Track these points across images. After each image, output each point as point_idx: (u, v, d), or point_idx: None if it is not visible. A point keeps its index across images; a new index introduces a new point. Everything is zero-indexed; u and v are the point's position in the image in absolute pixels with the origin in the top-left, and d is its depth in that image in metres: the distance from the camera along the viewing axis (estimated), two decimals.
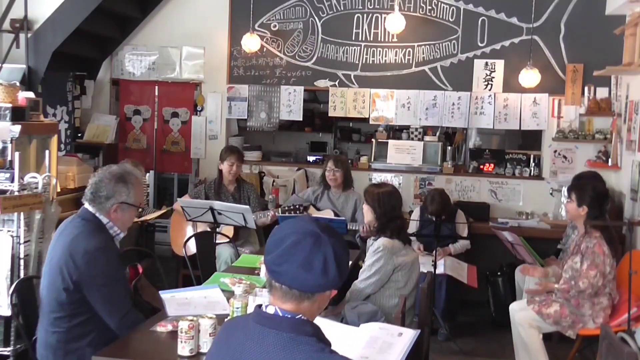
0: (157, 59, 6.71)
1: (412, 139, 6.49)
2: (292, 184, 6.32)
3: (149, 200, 6.17)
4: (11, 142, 4.13)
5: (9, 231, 3.98)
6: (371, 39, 6.30)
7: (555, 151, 6.08)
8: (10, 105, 4.17)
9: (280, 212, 5.05)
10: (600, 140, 5.87)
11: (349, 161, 6.90)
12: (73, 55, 6.28)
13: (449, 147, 6.52)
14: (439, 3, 6.17)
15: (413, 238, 5.07)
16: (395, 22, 5.99)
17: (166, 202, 6.67)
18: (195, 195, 5.36)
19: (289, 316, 1.71)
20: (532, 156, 6.25)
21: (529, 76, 5.83)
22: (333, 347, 1.73)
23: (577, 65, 5.93)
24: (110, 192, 2.89)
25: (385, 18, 6.13)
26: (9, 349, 3.99)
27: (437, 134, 6.53)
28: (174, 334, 2.66)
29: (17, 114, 4.20)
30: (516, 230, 5.15)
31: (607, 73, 5.45)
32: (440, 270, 4.93)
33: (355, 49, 6.33)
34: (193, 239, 4.71)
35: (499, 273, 5.56)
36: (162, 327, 2.79)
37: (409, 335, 2.59)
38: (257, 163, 6.67)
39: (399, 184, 6.28)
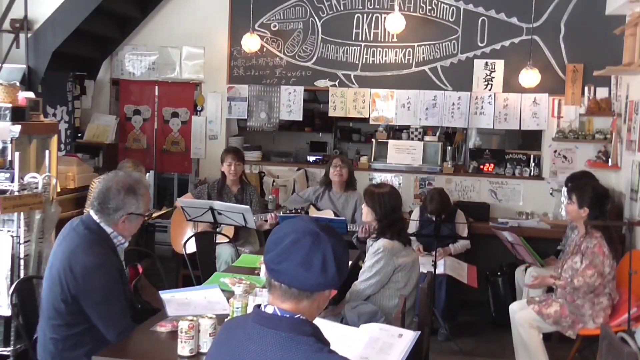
0: (157, 59, 6.71)
1: (412, 139, 6.49)
2: (292, 184, 6.32)
3: (150, 200, 6.15)
4: (11, 142, 4.13)
5: (9, 231, 3.98)
6: (371, 39, 6.30)
7: (555, 151, 6.08)
8: (10, 105, 4.17)
9: (281, 213, 5.04)
10: (600, 140, 5.87)
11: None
12: (73, 55, 6.28)
13: (449, 147, 6.52)
14: (439, 3, 6.17)
15: (413, 238, 5.06)
16: (395, 22, 5.99)
17: (166, 202, 6.67)
18: (198, 195, 5.36)
19: (288, 316, 1.71)
20: (532, 156, 6.25)
21: (529, 76, 5.83)
22: (333, 348, 1.73)
23: (577, 65, 5.93)
24: (119, 204, 2.80)
25: (385, 18, 6.13)
26: (9, 349, 3.99)
27: (437, 134, 6.54)
28: (174, 334, 2.65)
29: (17, 114, 4.20)
30: (516, 230, 5.15)
31: (607, 73, 5.45)
32: (440, 270, 4.93)
33: (355, 49, 6.33)
34: (193, 239, 4.71)
35: (499, 273, 5.56)
36: (162, 327, 2.79)
37: (409, 336, 2.59)
38: (257, 163, 6.67)
39: (399, 184, 6.28)
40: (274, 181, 6.34)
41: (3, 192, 3.93)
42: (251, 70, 6.54)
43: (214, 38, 6.57)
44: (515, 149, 6.68)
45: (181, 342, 2.54)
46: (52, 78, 5.96)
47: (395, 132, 6.83)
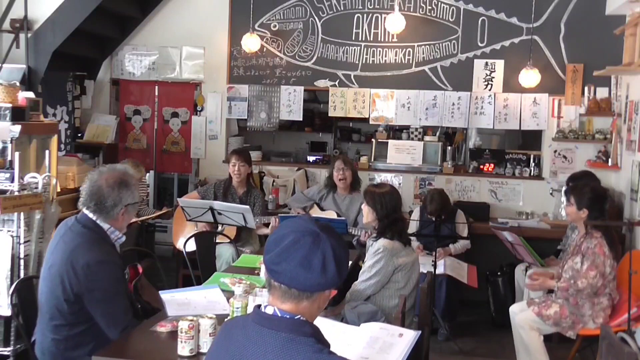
0: (157, 59, 6.72)
1: (412, 139, 6.49)
2: (292, 184, 6.32)
3: (149, 201, 6.17)
4: (11, 142, 4.12)
5: (9, 231, 3.98)
6: (371, 39, 6.30)
7: (555, 151, 6.08)
8: (10, 105, 4.17)
9: (282, 214, 5.04)
10: (600, 140, 5.87)
11: None
12: (73, 55, 6.28)
13: (449, 147, 6.51)
14: (439, 3, 6.17)
15: (413, 237, 5.06)
16: (395, 22, 5.99)
17: (166, 202, 6.69)
18: (204, 193, 5.36)
19: (288, 316, 1.71)
20: (532, 156, 6.25)
21: (529, 76, 5.83)
22: (333, 348, 1.73)
23: (577, 65, 5.93)
24: (116, 200, 2.83)
25: (385, 18, 6.13)
26: (9, 349, 3.99)
27: (437, 134, 6.53)
28: (174, 334, 2.65)
29: (17, 114, 4.19)
30: (516, 230, 5.15)
31: (607, 73, 5.45)
32: (440, 270, 4.93)
33: (355, 49, 6.33)
34: (193, 239, 4.71)
35: (499, 273, 5.56)
36: (162, 327, 2.79)
37: (409, 336, 2.58)
38: (257, 163, 6.66)
39: (399, 184, 6.28)
40: (274, 181, 6.34)
41: (3, 192, 3.93)
42: (251, 70, 6.54)
43: (214, 38, 6.57)
44: (515, 149, 6.68)
45: (181, 342, 2.54)
46: (52, 78, 5.96)
47: (395, 132, 6.83)
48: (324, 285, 1.73)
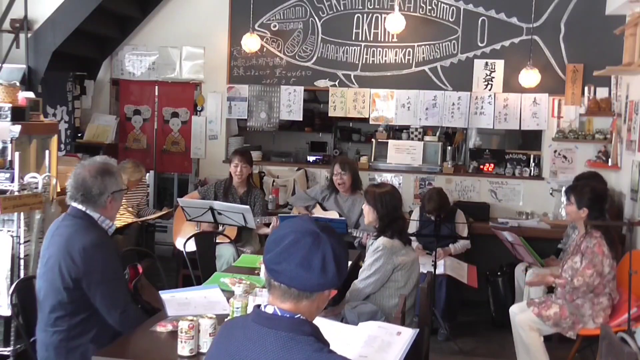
0: (157, 59, 6.72)
1: (412, 139, 6.49)
2: (292, 184, 6.32)
3: (149, 201, 6.17)
4: (11, 142, 4.13)
5: (9, 231, 3.98)
6: (371, 39, 6.30)
7: (555, 151, 6.08)
8: (10, 105, 4.17)
9: (282, 214, 5.04)
10: (600, 140, 5.87)
11: None
12: (73, 55, 6.28)
13: (449, 147, 6.51)
14: (439, 3, 6.17)
15: (413, 238, 5.06)
16: (395, 22, 5.99)
17: (166, 202, 6.68)
18: (204, 193, 5.36)
19: (288, 316, 1.71)
20: (532, 156, 6.25)
21: (529, 76, 5.83)
22: (332, 347, 1.73)
23: (577, 65, 5.93)
24: (102, 188, 2.90)
25: (385, 18, 6.14)
26: (9, 349, 3.99)
27: (437, 134, 6.53)
28: (174, 334, 2.66)
29: (17, 114, 4.20)
30: (516, 230, 5.15)
31: (607, 73, 5.45)
32: (440, 270, 4.93)
33: (355, 49, 6.33)
34: (193, 239, 4.71)
35: (499, 273, 5.56)
36: (162, 327, 2.79)
37: (407, 334, 2.58)
38: (257, 163, 6.66)
39: (399, 184, 6.28)
40: (274, 181, 6.34)
41: (3, 192, 3.93)
42: (251, 70, 6.54)
43: (214, 38, 6.57)
44: (515, 149, 6.68)
45: (181, 342, 2.54)
46: (52, 78, 5.96)
47: (395, 132, 6.83)
48: (323, 285, 1.73)
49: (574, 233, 4.76)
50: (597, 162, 5.84)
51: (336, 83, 6.38)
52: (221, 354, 1.79)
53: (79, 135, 6.59)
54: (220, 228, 5.08)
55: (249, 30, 6.32)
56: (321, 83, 6.43)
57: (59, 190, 4.38)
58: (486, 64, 6.12)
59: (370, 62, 6.31)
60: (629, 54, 5.04)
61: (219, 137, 6.68)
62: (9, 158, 4.12)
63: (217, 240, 4.97)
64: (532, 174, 6.19)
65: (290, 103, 6.50)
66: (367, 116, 6.39)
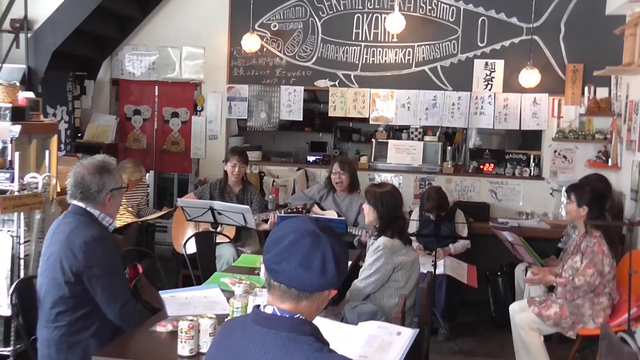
0: (157, 59, 6.72)
1: (412, 139, 6.49)
2: (292, 184, 6.32)
3: (149, 201, 6.17)
4: (11, 142, 4.13)
5: (9, 231, 3.98)
6: (371, 39, 6.30)
7: (555, 151, 6.08)
8: (10, 105, 4.18)
9: (283, 213, 5.03)
10: (600, 140, 5.87)
11: None
12: (73, 55, 6.28)
13: (449, 147, 6.52)
14: (439, 3, 6.17)
15: (413, 238, 5.06)
16: (395, 22, 5.99)
17: (166, 202, 6.68)
18: (200, 194, 5.36)
19: (287, 316, 1.71)
20: (532, 156, 6.25)
21: (529, 76, 5.83)
22: (332, 346, 1.73)
23: (577, 65, 5.93)
24: (100, 185, 2.94)
25: (385, 18, 6.14)
26: (9, 349, 3.99)
27: (437, 134, 6.53)
28: (174, 334, 2.66)
29: (17, 114, 4.20)
30: (516, 230, 5.15)
31: (607, 73, 5.45)
32: (440, 270, 4.93)
33: (355, 49, 6.33)
34: (193, 239, 4.71)
35: (499, 273, 5.56)
36: (162, 327, 2.79)
37: (408, 334, 2.58)
38: (257, 163, 6.67)
39: (399, 184, 6.28)
40: (274, 181, 6.34)
41: (3, 192, 3.93)
42: (251, 70, 6.54)
43: (214, 38, 6.57)
44: (515, 149, 6.68)
45: (181, 342, 2.54)
46: (52, 78, 5.96)
47: (395, 132, 6.83)
48: (323, 285, 1.73)
49: (574, 233, 4.76)
50: (597, 162, 5.84)
51: (336, 83, 6.38)
52: (221, 354, 1.79)
53: (79, 135, 6.59)
54: (219, 228, 5.08)
55: (249, 30, 6.32)
56: (321, 83, 6.43)
57: (59, 190, 4.38)
58: (486, 64, 6.12)
59: (370, 62, 6.31)
60: (629, 54, 5.04)
61: (219, 137, 6.68)
62: (9, 158, 4.12)
63: (217, 240, 4.96)
64: (532, 174, 6.19)
65: (290, 103, 6.50)
66: (367, 116, 6.39)
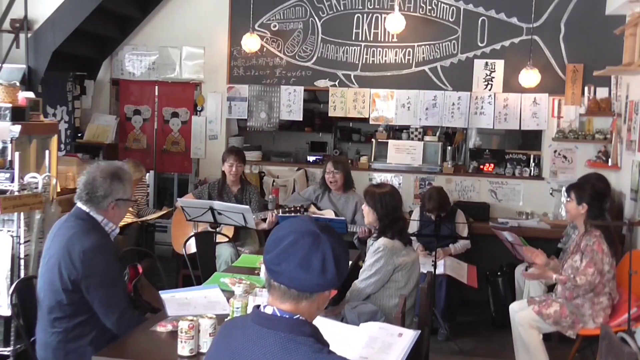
0: (157, 59, 6.72)
1: (412, 139, 6.49)
2: (292, 184, 6.32)
3: (149, 201, 6.17)
4: (11, 142, 4.13)
5: (9, 231, 3.98)
6: (371, 39, 6.30)
7: (555, 151, 6.08)
8: (10, 105, 4.18)
9: (280, 212, 5.04)
10: (600, 140, 5.87)
11: (349, 161, 6.91)
12: (73, 55, 6.28)
13: (449, 147, 6.52)
14: (439, 3, 6.17)
15: (413, 238, 5.06)
16: (395, 22, 5.99)
17: (166, 202, 6.68)
18: (199, 194, 5.36)
19: (287, 316, 1.71)
20: (532, 156, 6.25)
21: (529, 76, 5.83)
22: (332, 348, 1.73)
23: (577, 65, 5.93)
24: (107, 191, 2.90)
25: (385, 18, 6.14)
26: (9, 349, 3.99)
27: (437, 134, 6.53)
28: (174, 334, 2.66)
29: (17, 114, 4.20)
30: (516, 230, 5.14)
31: (607, 73, 5.45)
32: (440, 270, 4.93)
33: (355, 49, 6.33)
34: (193, 239, 4.71)
35: (499, 273, 5.56)
36: (162, 327, 2.79)
37: (409, 335, 2.58)
38: (257, 163, 6.67)
39: (399, 184, 6.28)
40: (274, 181, 6.34)
41: (3, 192, 3.93)
42: (251, 70, 6.54)
43: (214, 38, 6.57)
44: (515, 149, 6.68)
45: (181, 342, 2.54)
46: (52, 78, 5.96)
47: (395, 132, 6.83)
48: (323, 286, 1.72)
49: (573, 233, 4.76)
50: (597, 162, 5.84)
51: (336, 83, 6.38)
52: (221, 354, 1.79)
53: (79, 135, 6.59)
54: (218, 228, 5.07)
55: (249, 30, 6.32)
56: (321, 83, 6.43)
57: (59, 190, 4.38)
58: (486, 64, 6.12)
59: (370, 62, 6.31)
60: (629, 54, 5.04)
61: (219, 137, 6.68)
62: (9, 158, 4.12)
63: (216, 240, 4.96)
64: (532, 174, 6.19)
65: (290, 103, 6.50)
66: (367, 116, 6.39)
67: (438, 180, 6.23)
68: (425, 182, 6.26)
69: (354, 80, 6.35)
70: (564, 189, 5.20)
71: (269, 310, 1.74)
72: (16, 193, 3.93)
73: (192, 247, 4.68)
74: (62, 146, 6.12)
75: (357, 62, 6.33)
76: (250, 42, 6.26)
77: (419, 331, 2.65)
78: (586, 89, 5.88)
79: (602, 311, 4.04)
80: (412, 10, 6.20)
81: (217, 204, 4.91)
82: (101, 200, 2.90)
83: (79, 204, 2.94)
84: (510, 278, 5.39)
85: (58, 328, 2.82)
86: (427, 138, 6.46)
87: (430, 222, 5.19)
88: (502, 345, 4.88)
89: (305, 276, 1.69)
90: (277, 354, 1.65)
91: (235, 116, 6.69)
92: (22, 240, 3.99)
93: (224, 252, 4.98)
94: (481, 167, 6.31)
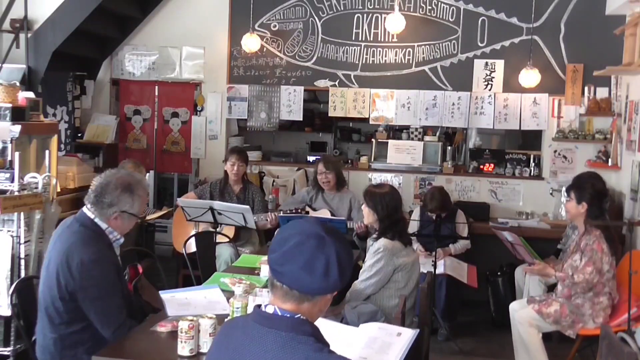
0: (157, 59, 6.72)
1: (412, 139, 6.49)
2: (292, 184, 6.32)
3: (149, 201, 6.16)
4: (11, 142, 4.13)
5: (9, 231, 3.98)
6: (371, 39, 6.30)
7: (555, 151, 6.08)
8: (10, 105, 4.18)
9: (281, 213, 5.05)
10: (600, 140, 5.87)
11: (349, 161, 6.92)
12: (73, 55, 6.28)
13: (449, 147, 6.52)
14: (439, 3, 6.17)
15: (413, 238, 5.06)
16: (395, 22, 5.99)
17: (166, 202, 6.68)
18: (200, 193, 5.36)
19: (288, 316, 1.71)
20: (532, 156, 6.25)
21: (529, 76, 5.83)
22: (332, 347, 1.73)
23: (577, 65, 5.93)
24: (114, 200, 2.83)
25: (385, 18, 6.14)
26: (9, 349, 3.99)
27: (437, 134, 6.53)
28: (174, 334, 2.65)
29: (17, 114, 4.20)
30: (516, 230, 5.14)
31: (607, 73, 5.45)
32: (440, 270, 4.93)
33: (355, 49, 6.33)
34: (193, 238, 4.71)
35: (499, 273, 5.56)
36: (162, 327, 2.79)
37: (408, 335, 2.58)
38: (257, 163, 6.67)
39: (399, 184, 6.28)
40: (274, 181, 6.34)
41: (3, 192, 3.93)
42: (251, 70, 6.54)
43: (214, 38, 6.57)
44: (515, 149, 6.68)
45: (181, 342, 2.54)
46: (52, 78, 5.96)
47: (395, 132, 6.82)
48: (325, 289, 1.73)
49: (573, 234, 4.76)
50: (597, 162, 5.84)
51: (336, 83, 6.38)
52: (221, 353, 1.79)
53: (79, 135, 6.59)
54: (219, 228, 5.08)
55: (249, 30, 6.32)
56: (321, 83, 6.43)
57: (59, 190, 4.39)
58: (486, 64, 6.12)
59: (370, 62, 6.31)
60: (629, 54, 5.04)
61: (219, 137, 6.68)
62: (9, 158, 4.12)
63: (216, 240, 4.96)
64: (532, 174, 6.19)
65: (290, 103, 6.50)
66: (367, 116, 6.39)
67: (438, 180, 6.23)
68: (425, 182, 6.26)
69: (354, 80, 6.35)
70: (564, 188, 5.21)
71: (270, 309, 1.74)
72: (16, 193, 3.93)
73: (192, 246, 4.68)
74: (62, 146, 6.12)
75: (357, 62, 6.33)
76: (250, 42, 6.26)
77: (418, 330, 2.65)
78: (586, 89, 5.88)
79: (602, 311, 4.04)
80: (412, 10, 6.20)
81: (217, 204, 4.91)
82: (106, 208, 2.84)
83: (86, 207, 2.88)
84: (510, 278, 5.39)
85: (55, 333, 2.80)
86: (427, 138, 6.45)
87: (431, 222, 5.19)
88: (502, 345, 4.88)
89: (308, 279, 1.69)
90: (278, 352, 1.65)
91: (235, 116, 6.69)
92: (22, 240, 3.99)
93: (224, 252, 4.98)
94: (481, 167, 6.31)
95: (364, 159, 6.57)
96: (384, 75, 6.29)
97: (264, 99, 6.54)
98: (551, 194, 6.06)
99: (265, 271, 3.69)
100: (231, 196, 5.30)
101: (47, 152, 4.34)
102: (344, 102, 6.37)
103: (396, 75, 6.27)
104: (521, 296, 5.04)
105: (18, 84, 4.56)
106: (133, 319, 2.88)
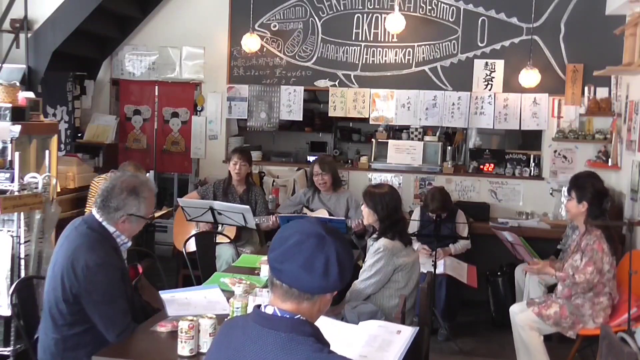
0: (157, 59, 6.72)
1: (412, 139, 6.48)
2: (292, 184, 6.32)
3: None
4: (11, 142, 4.13)
5: (9, 231, 3.98)
6: (371, 39, 6.30)
7: (555, 151, 6.08)
8: (10, 105, 4.18)
9: (281, 214, 5.06)
10: (600, 140, 5.87)
11: (349, 161, 6.92)
12: (73, 55, 6.28)
13: (449, 147, 6.51)
14: (439, 3, 6.17)
15: (414, 238, 5.06)
16: (395, 22, 5.99)
17: (166, 202, 6.68)
18: (203, 193, 5.36)
19: (288, 316, 1.71)
20: (532, 156, 6.25)
21: (529, 76, 5.83)
22: (332, 347, 1.73)
23: (577, 65, 5.93)
24: (120, 204, 2.82)
25: (385, 18, 6.14)
26: (9, 349, 3.99)
27: (437, 134, 6.53)
28: (174, 334, 2.65)
29: (17, 114, 4.20)
30: (516, 230, 5.14)
31: (607, 73, 5.45)
32: (440, 270, 4.93)
33: (355, 49, 6.33)
34: (193, 238, 4.71)
35: (499, 273, 5.56)
36: (162, 327, 2.79)
37: (407, 332, 2.59)
38: (257, 163, 6.67)
39: (399, 184, 6.28)
40: (274, 181, 6.34)
41: (3, 192, 3.93)
42: (251, 70, 6.54)
43: (214, 38, 6.57)
44: (515, 149, 6.68)
45: (181, 342, 2.54)
46: (52, 78, 5.97)
47: (395, 132, 6.82)
48: (324, 288, 1.72)
49: (573, 234, 4.76)
50: (597, 162, 5.84)
51: (336, 83, 6.38)
52: (221, 353, 1.79)
53: (79, 135, 6.60)
54: (219, 228, 5.08)
55: (249, 30, 6.32)
56: (321, 83, 6.43)
57: (59, 190, 4.39)
58: (486, 64, 6.12)
59: (370, 62, 6.31)
60: (629, 54, 5.04)
61: (219, 137, 6.68)
62: (9, 158, 4.11)
63: (217, 240, 4.96)
64: (532, 174, 6.19)
65: (290, 103, 6.51)
66: (367, 116, 6.39)
67: (438, 180, 6.23)
68: (425, 182, 6.26)
69: (354, 80, 6.35)
70: (564, 188, 5.21)
71: (269, 310, 1.74)
72: (16, 193, 3.93)
73: (192, 245, 4.68)
74: (62, 146, 6.12)
75: (357, 62, 6.33)
76: (250, 42, 6.26)
77: (417, 328, 2.65)
78: (586, 89, 5.88)
79: (602, 311, 4.04)
80: (412, 10, 6.20)
81: (217, 204, 4.91)
82: (112, 212, 2.82)
83: (94, 210, 2.87)
84: (510, 278, 5.39)
85: (57, 334, 2.79)
86: (427, 138, 6.45)
87: (431, 222, 5.19)
88: (502, 345, 4.88)
89: (308, 277, 1.69)
90: (277, 353, 1.65)
91: (235, 116, 6.69)
92: (22, 240, 3.99)
93: (224, 252, 4.98)
94: (481, 167, 6.31)
95: (364, 159, 6.57)
96: (384, 75, 6.29)
97: (264, 99, 6.54)
98: (551, 194, 6.06)
99: (265, 271, 3.69)
100: (234, 197, 5.30)
101: (47, 152, 4.34)
102: (344, 102, 6.38)
103: (396, 75, 6.28)
104: (521, 296, 5.04)
105: (18, 84, 4.56)
106: (136, 321, 2.87)
